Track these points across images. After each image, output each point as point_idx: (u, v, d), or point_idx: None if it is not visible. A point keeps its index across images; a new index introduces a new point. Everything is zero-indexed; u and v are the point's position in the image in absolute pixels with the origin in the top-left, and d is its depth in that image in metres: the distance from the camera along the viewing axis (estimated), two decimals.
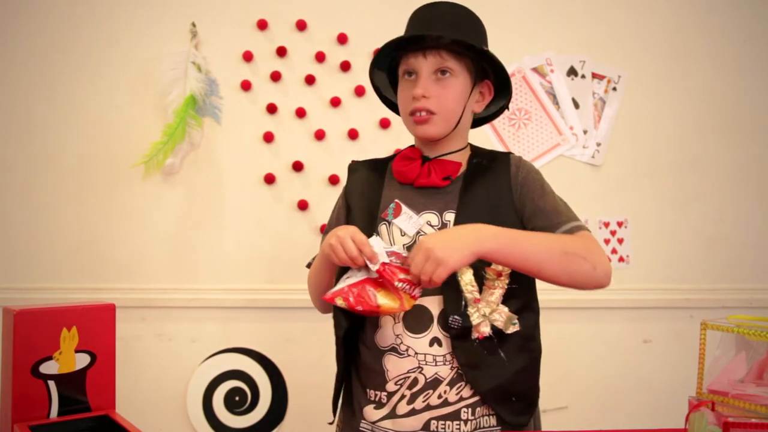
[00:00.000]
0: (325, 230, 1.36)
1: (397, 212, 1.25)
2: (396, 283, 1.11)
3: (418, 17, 1.28)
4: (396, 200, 1.26)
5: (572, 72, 2.18)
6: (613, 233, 2.17)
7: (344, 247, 1.12)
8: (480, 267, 1.18)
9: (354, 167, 1.38)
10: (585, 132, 2.18)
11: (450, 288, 1.17)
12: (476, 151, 1.32)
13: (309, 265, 1.37)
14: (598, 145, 2.18)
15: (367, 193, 1.30)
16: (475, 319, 1.17)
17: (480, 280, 1.19)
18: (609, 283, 1.17)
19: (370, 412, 1.25)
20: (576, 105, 2.18)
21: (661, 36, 2.19)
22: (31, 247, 2.06)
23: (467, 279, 1.18)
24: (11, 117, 2.07)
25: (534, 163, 1.32)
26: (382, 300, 1.12)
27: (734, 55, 2.20)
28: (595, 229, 2.17)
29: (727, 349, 1.09)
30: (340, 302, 1.12)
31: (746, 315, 1.14)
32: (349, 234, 1.13)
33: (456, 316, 1.17)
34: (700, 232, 2.19)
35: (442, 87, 1.22)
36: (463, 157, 1.29)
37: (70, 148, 2.07)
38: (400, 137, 2.12)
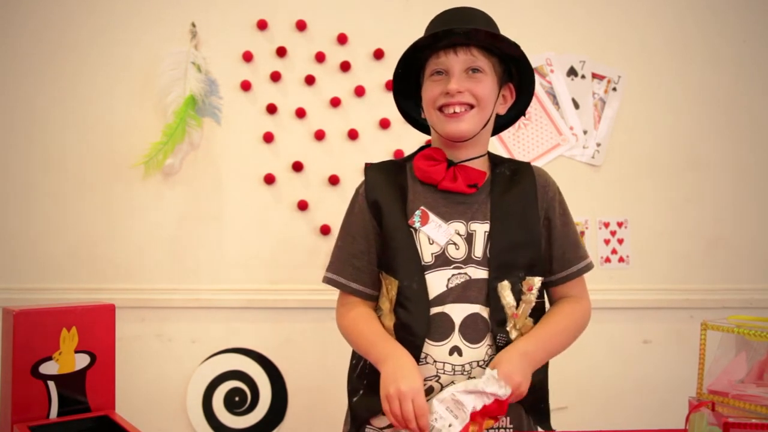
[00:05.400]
0: (341, 233, 1.31)
1: (425, 220, 1.23)
2: None
3: (440, 20, 1.26)
4: (422, 207, 1.24)
5: (572, 72, 2.18)
6: (613, 233, 2.17)
7: (402, 408, 1.08)
8: (517, 282, 1.21)
9: (372, 169, 1.31)
10: (585, 132, 2.17)
11: (495, 303, 1.20)
12: (496, 160, 1.32)
13: (326, 280, 1.31)
14: (598, 145, 2.18)
15: (395, 197, 1.25)
16: (513, 335, 1.20)
17: (516, 294, 1.21)
18: None
19: (379, 418, 1.24)
20: (576, 105, 2.18)
21: (661, 36, 2.19)
22: (31, 247, 2.06)
23: (507, 295, 1.20)
24: (11, 117, 2.07)
25: (534, 164, 1.33)
26: None
27: (734, 56, 2.20)
28: (595, 229, 2.17)
29: (727, 349, 1.09)
30: None
31: (746, 315, 1.14)
32: (411, 394, 1.08)
33: (502, 335, 1.20)
34: (700, 232, 2.19)
35: (475, 82, 1.21)
36: (484, 165, 1.29)
37: (70, 148, 2.07)
38: (400, 137, 2.12)
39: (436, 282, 1.20)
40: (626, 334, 2.16)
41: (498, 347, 1.19)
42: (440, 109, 1.23)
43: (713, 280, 2.17)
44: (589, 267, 1.30)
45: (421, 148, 1.30)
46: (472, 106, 1.21)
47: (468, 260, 1.21)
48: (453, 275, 1.20)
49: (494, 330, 1.19)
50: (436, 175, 1.24)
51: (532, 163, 1.32)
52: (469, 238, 1.22)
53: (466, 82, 1.21)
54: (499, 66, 1.25)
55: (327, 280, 1.30)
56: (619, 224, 2.18)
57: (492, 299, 1.19)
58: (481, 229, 1.22)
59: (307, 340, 2.08)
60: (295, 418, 2.08)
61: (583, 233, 2.16)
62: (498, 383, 1.07)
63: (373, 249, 1.26)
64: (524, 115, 1.35)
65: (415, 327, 1.19)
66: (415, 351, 1.18)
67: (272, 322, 2.09)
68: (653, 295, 2.15)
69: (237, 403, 2.07)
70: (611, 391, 2.15)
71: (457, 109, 1.21)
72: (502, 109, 1.29)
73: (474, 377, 1.18)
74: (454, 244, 1.21)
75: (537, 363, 1.18)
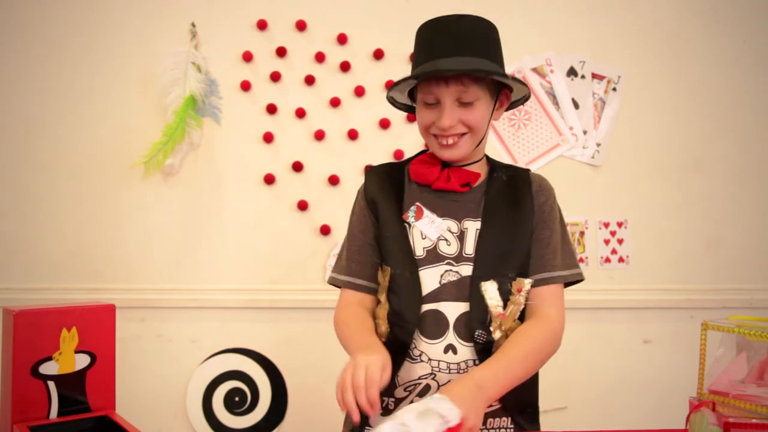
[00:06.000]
0: (346, 235, 1.32)
1: (419, 215, 1.25)
2: None
3: (431, 39, 1.21)
4: (417, 203, 1.26)
5: (572, 72, 2.18)
6: (613, 233, 2.17)
7: (353, 376, 1.03)
8: (505, 282, 1.20)
9: (372, 171, 1.35)
10: (585, 132, 2.17)
11: (476, 300, 1.18)
12: (495, 164, 1.31)
13: (329, 280, 1.32)
14: (598, 145, 2.18)
15: (391, 195, 1.28)
16: (497, 335, 1.18)
17: (504, 295, 1.19)
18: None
19: (376, 418, 1.23)
20: (576, 105, 2.18)
21: (661, 36, 2.19)
22: (31, 247, 2.06)
23: (492, 293, 1.19)
24: (10, 117, 2.07)
25: (534, 164, 1.33)
26: None
27: (734, 56, 2.20)
28: (595, 229, 2.17)
29: (727, 349, 1.09)
30: None
31: (747, 315, 1.14)
32: (364, 363, 1.04)
33: (481, 331, 1.17)
34: (700, 232, 2.19)
35: (467, 112, 1.20)
36: (481, 168, 1.29)
37: (69, 148, 2.07)
38: (400, 137, 2.12)
39: (429, 278, 1.20)
40: (626, 334, 2.16)
41: (477, 344, 1.17)
42: (434, 135, 1.23)
43: (713, 280, 2.17)
44: (563, 278, 1.23)
45: (421, 152, 1.32)
46: (465, 133, 1.21)
47: (460, 258, 1.21)
48: (446, 271, 1.20)
49: (473, 328, 1.17)
50: (430, 176, 1.25)
51: (533, 170, 1.31)
52: (461, 236, 1.22)
53: (457, 112, 1.19)
54: (492, 82, 1.22)
55: (329, 280, 1.33)
56: (619, 224, 2.18)
57: (473, 296, 1.18)
58: (473, 227, 1.23)
59: (307, 340, 2.08)
60: (295, 418, 2.08)
61: (583, 233, 2.16)
62: (448, 405, 0.99)
63: (374, 243, 1.27)
64: (523, 104, 1.34)
65: (406, 314, 1.20)
66: (407, 337, 1.19)
67: (272, 322, 2.09)
68: (653, 295, 2.15)
69: (237, 403, 2.07)
70: (611, 391, 2.15)
71: (450, 141, 1.21)
72: (499, 114, 1.28)
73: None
74: (446, 240, 1.22)
75: (492, 398, 1.09)
